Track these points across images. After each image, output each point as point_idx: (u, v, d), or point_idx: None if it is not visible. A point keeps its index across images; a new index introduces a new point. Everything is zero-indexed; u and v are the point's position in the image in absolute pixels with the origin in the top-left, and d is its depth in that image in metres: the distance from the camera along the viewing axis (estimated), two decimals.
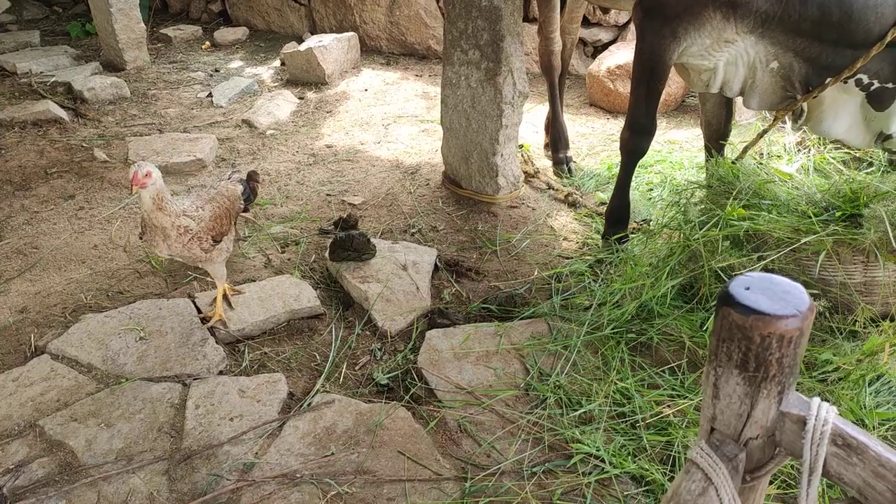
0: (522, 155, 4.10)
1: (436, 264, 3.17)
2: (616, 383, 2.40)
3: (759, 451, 1.07)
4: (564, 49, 4.06)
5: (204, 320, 2.72)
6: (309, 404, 2.34)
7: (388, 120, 4.98)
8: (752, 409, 1.03)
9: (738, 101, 4.41)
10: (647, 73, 2.86)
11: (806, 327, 0.97)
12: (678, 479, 1.07)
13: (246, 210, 2.95)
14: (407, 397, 2.40)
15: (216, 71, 6.11)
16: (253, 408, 2.31)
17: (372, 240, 3.16)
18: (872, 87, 2.47)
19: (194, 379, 2.44)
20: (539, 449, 2.19)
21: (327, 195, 3.90)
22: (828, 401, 2.19)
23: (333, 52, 5.71)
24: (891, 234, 2.14)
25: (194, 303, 2.82)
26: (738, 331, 0.99)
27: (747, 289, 1.01)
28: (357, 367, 2.60)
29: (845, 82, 2.49)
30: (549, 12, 3.87)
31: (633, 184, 3.83)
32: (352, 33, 6.07)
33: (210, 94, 5.42)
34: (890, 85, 2.44)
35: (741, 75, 2.79)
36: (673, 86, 4.74)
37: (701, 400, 1.15)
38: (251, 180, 2.95)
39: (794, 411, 1.01)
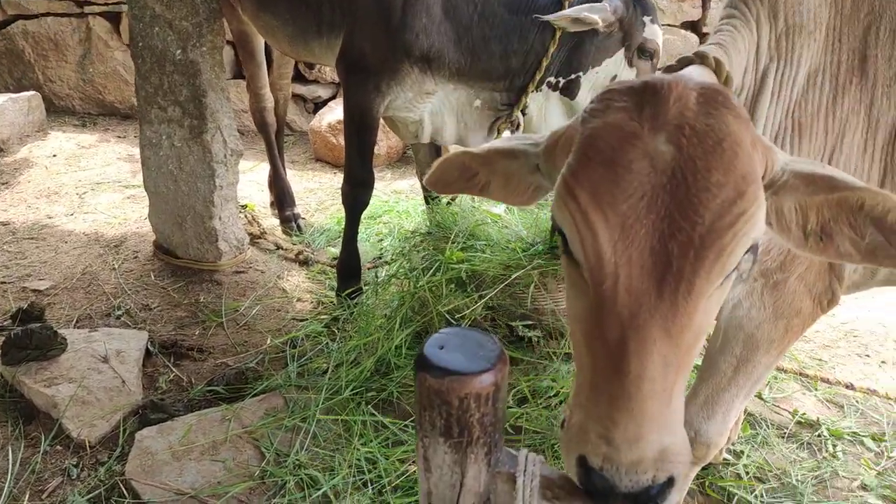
0: (246, 216, 3.85)
1: (147, 349, 2.74)
2: (359, 449, 2.25)
3: None
4: (277, 105, 3.93)
5: None
6: None
7: (84, 188, 4.33)
8: (463, 478, 0.94)
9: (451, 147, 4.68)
10: (357, 128, 2.87)
11: (501, 380, 0.91)
12: None
13: None
14: None
15: None
16: None
17: (61, 331, 2.62)
18: (560, 84, 2.79)
19: None
20: None
21: (1, 283, 3.20)
22: (553, 424, 2.32)
23: (9, 114, 4.87)
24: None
25: None
26: (437, 396, 0.90)
27: (441, 348, 0.93)
28: (45, 496, 2.09)
29: (539, 90, 2.78)
30: (254, 68, 3.72)
31: (363, 235, 3.81)
32: (33, 92, 5.25)
33: None
34: (572, 76, 2.76)
35: (450, 123, 2.94)
36: (394, 139, 4.90)
37: None
38: None
39: (504, 469, 0.95)
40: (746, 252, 0.94)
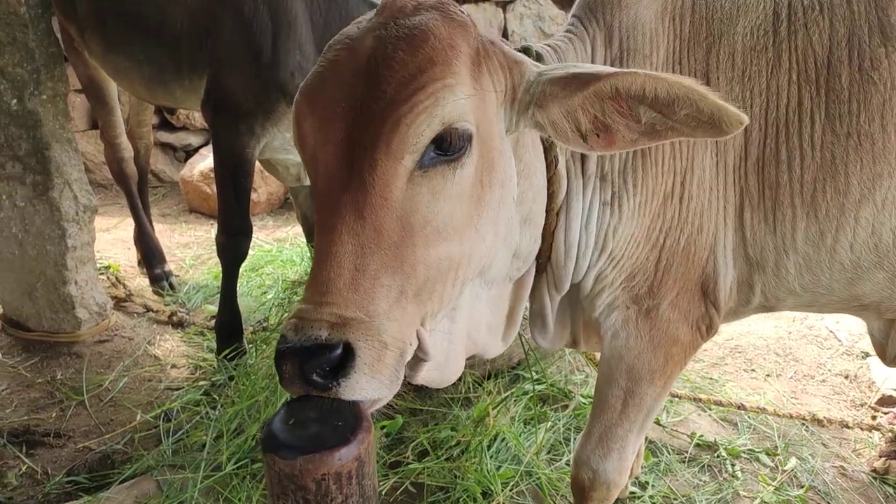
0: (108, 277, 3.50)
1: None
2: None
3: None
4: (138, 155, 3.64)
5: None
6: None
7: None
8: None
9: None
10: (230, 173, 2.68)
11: (366, 452, 0.77)
12: None
13: None
14: None
15: None
16: None
17: None
18: None
19: None
20: None
21: None
22: (456, 476, 2.18)
23: None
24: None
25: None
26: (290, 480, 0.74)
27: (292, 422, 0.78)
28: None
29: None
30: (106, 115, 3.42)
31: (244, 289, 3.56)
32: None
33: None
34: None
35: None
36: (274, 184, 4.70)
37: None
38: None
39: None
40: (460, 141, 1.01)
